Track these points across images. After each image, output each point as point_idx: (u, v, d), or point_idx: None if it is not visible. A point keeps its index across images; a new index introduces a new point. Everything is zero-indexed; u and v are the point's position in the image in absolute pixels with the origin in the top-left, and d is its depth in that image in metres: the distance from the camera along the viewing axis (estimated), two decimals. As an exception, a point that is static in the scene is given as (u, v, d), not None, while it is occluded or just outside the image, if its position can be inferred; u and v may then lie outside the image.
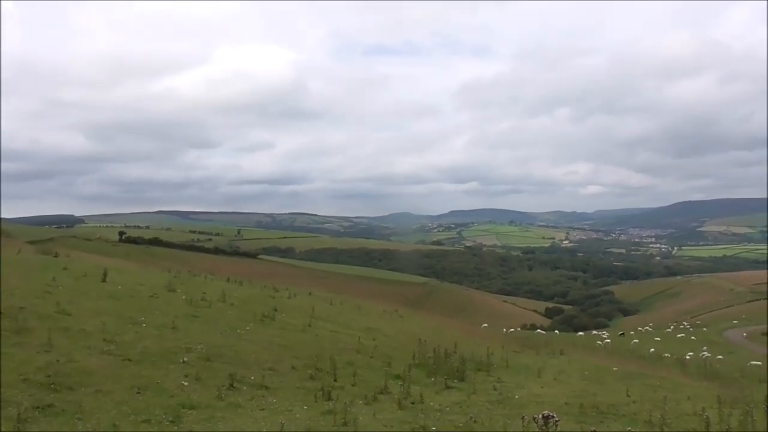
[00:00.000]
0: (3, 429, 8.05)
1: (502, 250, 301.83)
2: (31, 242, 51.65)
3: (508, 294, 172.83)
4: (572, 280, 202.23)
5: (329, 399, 11.85)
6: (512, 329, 63.85)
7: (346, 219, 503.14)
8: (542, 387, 16.02)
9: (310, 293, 36.41)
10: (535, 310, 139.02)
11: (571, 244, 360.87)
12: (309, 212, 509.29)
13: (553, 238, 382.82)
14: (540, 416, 5.75)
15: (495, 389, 14.99)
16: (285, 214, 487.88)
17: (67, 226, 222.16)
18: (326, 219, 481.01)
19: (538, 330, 69.06)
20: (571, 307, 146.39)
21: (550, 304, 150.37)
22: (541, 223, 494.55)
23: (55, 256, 28.53)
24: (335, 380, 13.86)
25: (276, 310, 22.10)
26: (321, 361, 15.14)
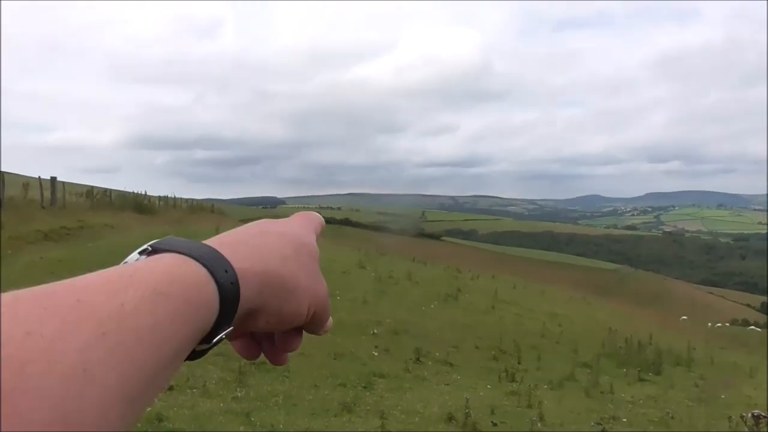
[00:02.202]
0: (228, 379, 9.38)
1: (709, 236, 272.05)
2: (243, 221, 58.09)
3: (715, 285, 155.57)
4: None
5: (513, 381, 11.85)
6: (719, 324, 57.49)
7: (531, 202, 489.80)
8: (755, 388, 14.33)
9: (493, 276, 36.31)
10: (748, 305, 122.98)
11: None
12: (492, 194, 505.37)
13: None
14: (749, 415, 5.22)
15: (696, 386, 13.78)
16: (468, 196, 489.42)
17: (271, 207, 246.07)
18: (510, 201, 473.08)
19: (752, 327, 61.26)
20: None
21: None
22: (757, 207, 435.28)
23: (263, 234, 31.85)
24: (519, 363, 13.78)
25: (459, 290, 22.44)
26: (504, 343, 15.13)
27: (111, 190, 30.16)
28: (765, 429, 5.12)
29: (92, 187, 29.82)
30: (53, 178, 22.25)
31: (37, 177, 22.37)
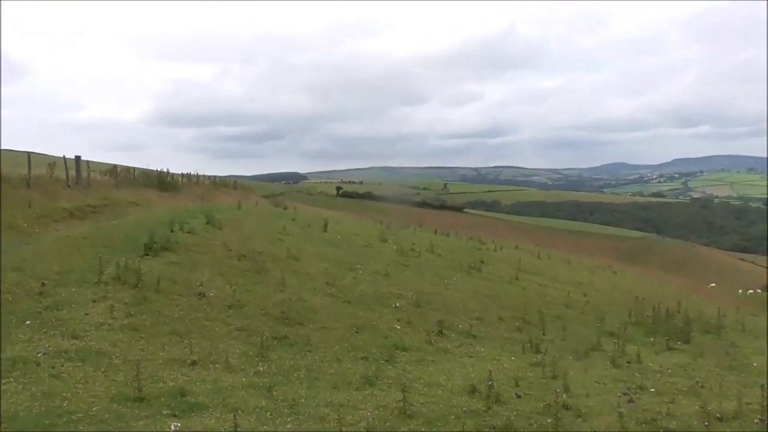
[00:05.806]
0: (250, 353, 9.39)
1: (739, 201, 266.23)
2: (266, 196, 58.44)
3: (745, 251, 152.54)
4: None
5: (537, 352, 11.70)
6: (750, 290, 56.45)
7: (555, 171, 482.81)
8: (788, 356, 13.98)
9: (516, 246, 35.99)
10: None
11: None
12: (515, 165, 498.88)
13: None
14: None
15: (727, 353, 13.46)
16: (490, 167, 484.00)
17: (293, 182, 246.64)
18: (533, 171, 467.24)
19: (784, 293, 59.99)
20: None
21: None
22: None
23: (285, 209, 31.91)
24: (543, 333, 13.63)
25: (482, 261, 22.25)
26: (528, 313, 14.97)
27: (134, 167, 30.40)
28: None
29: (115, 165, 30.07)
30: (77, 157, 22.45)
31: (62, 156, 22.55)
